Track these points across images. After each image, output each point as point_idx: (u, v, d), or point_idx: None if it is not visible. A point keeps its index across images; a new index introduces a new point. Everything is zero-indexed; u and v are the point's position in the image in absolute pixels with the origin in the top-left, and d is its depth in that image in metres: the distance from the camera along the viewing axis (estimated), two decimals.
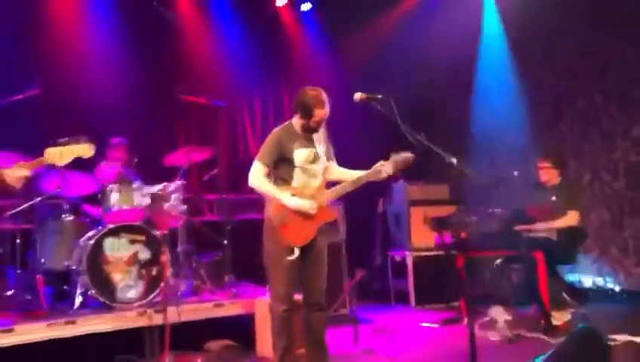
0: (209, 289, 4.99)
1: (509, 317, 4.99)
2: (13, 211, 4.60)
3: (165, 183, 4.86)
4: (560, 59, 6.46)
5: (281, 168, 3.68)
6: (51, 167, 3.04)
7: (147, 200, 4.79)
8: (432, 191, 6.67)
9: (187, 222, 5.12)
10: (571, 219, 4.98)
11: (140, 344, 4.27)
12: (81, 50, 5.95)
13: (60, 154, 2.89)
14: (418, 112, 7.07)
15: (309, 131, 3.71)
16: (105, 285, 4.37)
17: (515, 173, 5.37)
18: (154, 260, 4.51)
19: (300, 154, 3.65)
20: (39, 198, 4.69)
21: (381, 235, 7.11)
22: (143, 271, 4.50)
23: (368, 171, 3.62)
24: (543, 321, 4.69)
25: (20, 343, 3.84)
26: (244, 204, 6.05)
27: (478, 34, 7.12)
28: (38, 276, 4.51)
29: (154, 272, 4.50)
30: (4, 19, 5.46)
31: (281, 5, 7.54)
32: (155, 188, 4.84)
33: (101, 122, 5.55)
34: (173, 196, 4.84)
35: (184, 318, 4.33)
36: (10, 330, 3.84)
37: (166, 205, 4.79)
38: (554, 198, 5.10)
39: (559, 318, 4.82)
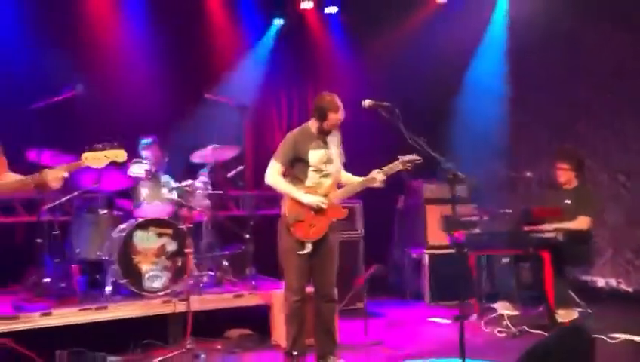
0: (231, 280, 5.29)
1: (516, 313, 5.17)
2: (53, 204, 4.95)
3: (191, 180, 5.17)
4: (576, 60, 6.53)
5: (297, 168, 3.94)
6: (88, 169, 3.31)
7: (174, 196, 5.12)
8: (449, 190, 6.82)
9: (212, 216, 5.43)
10: (581, 223, 5.10)
11: (164, 330, 4.60)
12: (116, 54, 6.31)
13: (96, 159, 3.17)
14: (435, 113, 7.38)
15: (323, 133, 3.96)
16: (134, 274, 4.71)
17: (528, 174, 5.52)
18: (179, 252, 4.83)
19: (314, 155, 3.91)
20: (76, 193, 5.05)
21: (399, 232, 7.30)
22: (169, 263, 4.82)
23: (365, 178, 3.90)
24: (547, 318, 4.84)
25: (56, 325, 4.21)
26: (268, 200, 6.35)
27: (496, 36, 7.24)
28: (73, 265, 4.90)
29: (179, 263, 4.82)
30: (46, 26, 5.84)
31: (307, 8, 7.77)
32: (182, 185, 5.17)
33: (134, 121, 5.88)
34: (198, 192, 5.15)
35: (206, 307, 4.67)
36: (49, 313, 4.21)
37: (191, 200, 5.11)
38: (568, 201, 5.23)
39: (565, 316, 4.96)
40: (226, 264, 5.40)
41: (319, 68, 7.68)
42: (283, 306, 4.02)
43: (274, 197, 6.19)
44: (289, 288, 3.88)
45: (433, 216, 6.62)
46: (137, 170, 5.03)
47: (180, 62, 6.53)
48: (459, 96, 7.67)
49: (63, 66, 5.62)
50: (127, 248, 4.72)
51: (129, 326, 4.50)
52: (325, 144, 3.97)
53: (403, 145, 3.71)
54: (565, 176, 5.23)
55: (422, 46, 7.34)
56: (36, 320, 4.14)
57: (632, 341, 4.41)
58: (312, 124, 3.97)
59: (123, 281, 4.69)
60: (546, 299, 4.89)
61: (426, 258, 6.54)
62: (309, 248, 3.82)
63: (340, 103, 3.89)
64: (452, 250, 6.23)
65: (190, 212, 5.01)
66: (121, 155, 3.21)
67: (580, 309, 5.20)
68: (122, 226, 4.91)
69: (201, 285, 4.95)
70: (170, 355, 4.31)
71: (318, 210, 3.85)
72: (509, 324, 4.84)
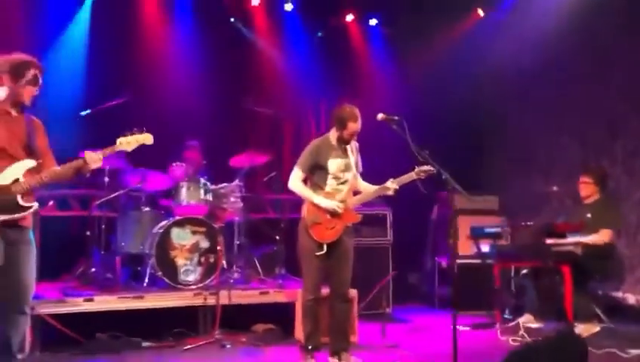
0: (259, 278, 5.62)
1: (538, 325, 5.24)
2: (101, 201, 5.43)
3: (226, 183, 5.54)
4: (615, 76, 6.51)
5: (317, 175, 4.22)
6: (122, 153, 3.65)
7: (210, 197, 5.50)
8: (480, 201, 6.94)
9: (245, 217, 5.79)
10: (603, 236, 5.14)
11: (195, 320, 4.97)
12: (165, 63, 6.80)
13: (128, 143, 3.55)
14: (470, 127, 7.48)
15: (343, 143, 4.22)
16: (169, 268, 5.11)
17: (555, 189, 5.58)
18: (212, 249, 5.20)
19: (333, 164, 4.18)
20: (123, 191, 5.52)
21: (432, 241, 7.45)
22: (202, 258, 5.20)
23: (379, 187, 4.13)
24: None
25: (97, 310, 4.64)
26: (299, 205, 6.63)
27: (526, 48, 7.27)
28: (117, 257, 5.36)
29: (211, 259, 5.19)
30: (101, 37, 6.39)
31: (349, 20, 8.05)
32: (218, 187, 5.54)
33: (179, 126, 6.33)
34: (232, 194, 5.51)
35: (234, 301, 5.00)
36: (91, 300, 4.65)
37: (226, 202, 5.48)
38: (589, 215, 5.27)
39: (585, 330, 5.01)
40: (257, 263, 5.73)
41: (358, 79, 7.93)
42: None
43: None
44: (305, 287, 4.15)
45: (464, 226, 6.73)
46: (178, 172, 5.44)
47: (223, 71, 6.94)
48: (501, 110, 7.76)
49: (114, 75, 6.12)
50: (164, 243, 5.12)
51: (163, 315, 4.89)
52: (344, 153, 4.23)
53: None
54: (588, 189, 5.28)
55: (459, 58, 7.48)
56: (80, 305, 4.58)
57: None
58: (333, 134, 4.24)
59: (159, 274, 5.09)
60: (564, 312, 4.94)
61: (455, 268, 6.65)
62: (324, 249, 4.08)
63: (358, 114, 4.14)
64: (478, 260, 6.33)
65: (224, 213, 5.37)
66: (148, 139, 3.55)
67: (602, 324, 5.22)
68: (162, 223, 5.32)
69: (231, 281, 5.30)
70: (199, 344, 4.68)
71: (335, 214, 4.11)
72: (524, 334, 4.93)
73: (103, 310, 4.66)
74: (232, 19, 7.26)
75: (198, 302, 4.94)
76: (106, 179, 5.38)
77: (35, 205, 3.37)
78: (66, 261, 5.65)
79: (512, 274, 6.07)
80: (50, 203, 5.82)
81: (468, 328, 5.58)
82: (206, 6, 6.98)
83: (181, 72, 6.77)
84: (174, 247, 5.15)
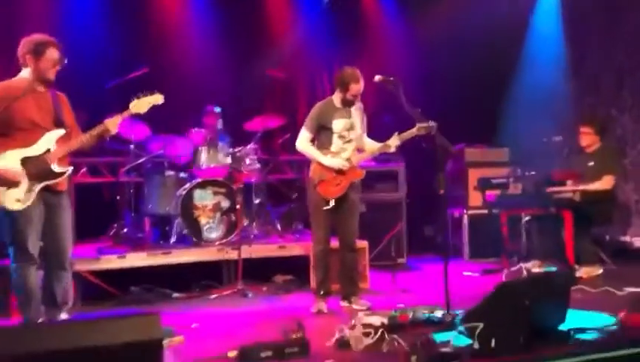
0: (278, 234, 6.00)
1: (541, 270, 5.52)
2: (128, 167, 5.86)
3: (243, 146, 5.89)
4: (623, 32, 6.54)
5: (323, 135, 4.52)
6: (136, 116, 3.99)
7: (229, 160, 5.86)
8: (491, 154, 7.17)
9: (262, 178, 6.15)
10: (606, 183, 5.34)
11: (219, 273, 5.41)
12: (182, 32, 7.10)
13: (140, 105, 3.88)
14: (483, 83, 7.60)
15: (346, 104, 4.50)
16: (194, 227, 5.51)
17: (557, 139, 5.77)
18: (232, 208, 5.59)
19: (338, 124, 4.47)
20: (147, 157, 5.92)
21: (446, 194, 7.70)
22: (224, 217, 5.60)
23: (381, 144, 4.40)
24: None
25: (130, 266, 5.10)
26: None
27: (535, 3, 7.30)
28: (146, 218, 5.81)
29: (232, 218, 5.59)
30: (120, 8, 6.69)
31: None
32: (236, 150, 5.89)
33: (197, 93, 6.68)
34: (249, 157, 5.86)
35: (254, 255, 5.40)
36: (123, 257, 5.11)
37: (243, 164, 5.83)
38: (591, 164, 5.47)
39: (587, 273, 5.28)
40: (275, 220, 6.11)
41: (371, 42, 8.07)
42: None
43: None
44: (314, 239, 4.52)
45: (474, 178, 6.97)
46: (196, 137, 5.81)
47: (239, 37, 7.19)
48: (514, 64, 7.85)
49: (134, 46, 6.46)
50: (188, 204, 5.53)
51: (190, 269, 5.34)
52: (348, 113, 4.51)
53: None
54: (588, 139, 5.46)
55: (476, 15, 7.55)
56: (114, 262, 5.04)
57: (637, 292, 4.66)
58: (336, 96, 4.51)
59: (185, 232, 5.51)
60: (564, 256, 5.21)
61: (466, 218, 6.95)
62: (331, 204, 4.41)
63: (360, 75, 4.40)
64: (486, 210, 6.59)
65: (242, 174, 5.74)
66: (159, 99, 3.89)
67: (606, 267, 5.47)
68: (185, 186, 5.71)
69: (251, 237, 5.70)
70: (224, 293, 5.13)
71: (340, 172, 4.42)
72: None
73: (135, 266, 5.12)
74: None
75: (221, 256, 5.36)
76: (132, 147, 5.80)
77: (69, 170, 3.78)
78: (100, 223, 6.11)
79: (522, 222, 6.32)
80: (83, 170, 6.29)
81: (477, 274, 5.90)
82: None
83: (197, 41, 7.08)
84: (197, 208, 5.55)
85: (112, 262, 5.03)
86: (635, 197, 6.35)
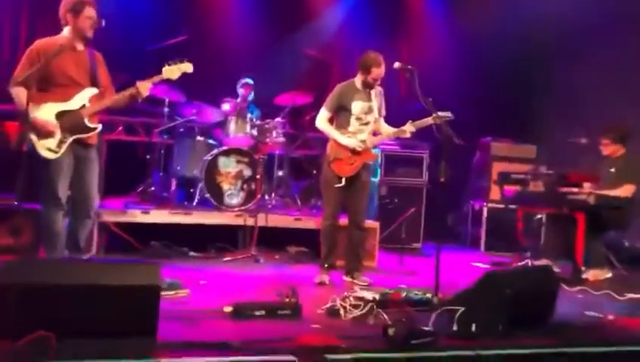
0: (296, 207, 6.22)
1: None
2: (161, 128, 6.15)
3: (269, 119, 6.10)
4: None
5: (342, 115, 4.68)
6: (169, 81, 4.21)
7: (255, 131, 6.09)
8: (518, 149, 7.19)
9: (286, 151, 6.36)
10: (626, 191, 5.33)
11: (235, 238, 5.68)
12: (223, 3, 7.34)
13: (171, 71, 4.11)
14: (518, 79, 7.55)
15: (367, 87, 4.64)
16: (216, 191, 5.78)
17: (583, 141, 5.76)
18: (253, 177, 5.83)
19: (357, 106, 4.62)
20: (180, 121, 6.20)
21: (471, 185, 7.78)
22: (245, 185, 5.85)
23: (397, 129, 4.53)
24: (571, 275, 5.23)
25: (152, 222, 5.41)
26: None
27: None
28: (173, 179, 6.11)
29: (252, 186, 5.83)
30: None
31: None
32: (263, 122, 6.11)
33: (233, 64, 6.91)
34: (275, 130, 6.07)
35: (270, 224, 5.64)
36: (147, 212, 5.43)
37: (269, 136, 6.05)
38: (612, 170, 5.47)
39: (595, 275, 5.32)
40: (294, 193, 6.33)
41: (411, 30, 8.12)
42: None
43: None
44: (324, 214, 4.72)
45: (497, 172, 7.01)
46: (226, 107, 6.05)
47: (279, 11, 7.37)
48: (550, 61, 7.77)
49: (177, 14, 6.71)
50: (212, 170, 5.79)
51: (208, 231, 5.62)
52: (368, 97, 4.65)
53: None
54: (608, 149, 5.49)
55: (511, 10, 7.49)
56: (138, 216, 5.36)
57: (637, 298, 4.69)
58: (358, 79, 4.66)
59: (207, 196, 5.78)
60: (573, 257, 5.25)
61: (485, 210, 7.02)
62: (343, 182, 4.59)
63: (381, 60, 4.52)
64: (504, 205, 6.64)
65: (266, 146, 5.96)
66: (189, 67, 4.11)
67: (615, 271, 5.49)
68: (212, 152, 5.97)
69: (269, 206, 5.94)
70: (237, 257, 5.40)
71: (355, 152, 4.59)
72: None
73: (157, 222, 5.43)
74: None
75: (239, 221, 5.62)
76: (166, 109, 6.08)
77: (100, 126, 4.06)
78: (131, 180, 6.43)
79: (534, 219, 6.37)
80: (120, 128, 6.63)
81: (487, 266, 5.99)
82: None
83: (238, 13, 7.31)
84: (220, 173, 5.81)
85: (136, 216, 5.35)
86: None
